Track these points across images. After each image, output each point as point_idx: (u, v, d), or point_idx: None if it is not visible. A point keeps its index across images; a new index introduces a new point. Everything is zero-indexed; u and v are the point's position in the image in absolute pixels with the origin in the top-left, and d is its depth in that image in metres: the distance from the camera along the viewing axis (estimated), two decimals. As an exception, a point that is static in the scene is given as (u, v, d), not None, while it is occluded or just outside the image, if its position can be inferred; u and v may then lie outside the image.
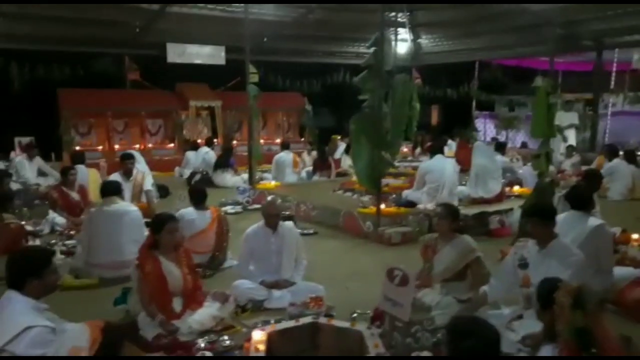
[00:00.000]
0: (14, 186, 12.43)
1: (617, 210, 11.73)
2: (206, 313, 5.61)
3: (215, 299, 5.88)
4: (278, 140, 20.88)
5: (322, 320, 5.10)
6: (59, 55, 19.13)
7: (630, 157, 13.95)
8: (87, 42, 19.13)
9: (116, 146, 19.53)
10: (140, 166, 12.36)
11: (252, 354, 4.47)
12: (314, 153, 17.56)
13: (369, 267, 8.04)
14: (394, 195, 11.23)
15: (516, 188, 12.41)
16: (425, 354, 4.82)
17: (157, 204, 11.88)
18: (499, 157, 13.37)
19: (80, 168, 11.67)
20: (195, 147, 18.11)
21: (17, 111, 18.62)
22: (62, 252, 8.31)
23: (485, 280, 5.78)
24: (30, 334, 3.77)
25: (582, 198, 6.56)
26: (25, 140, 16.61)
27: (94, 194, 10.71)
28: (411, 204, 10.53)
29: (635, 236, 8.41)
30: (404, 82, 14.36)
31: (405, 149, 20.76)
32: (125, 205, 7.97)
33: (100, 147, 19.52)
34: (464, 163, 12.24)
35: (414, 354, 4.84)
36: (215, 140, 20.37)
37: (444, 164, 10.72)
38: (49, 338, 3.84)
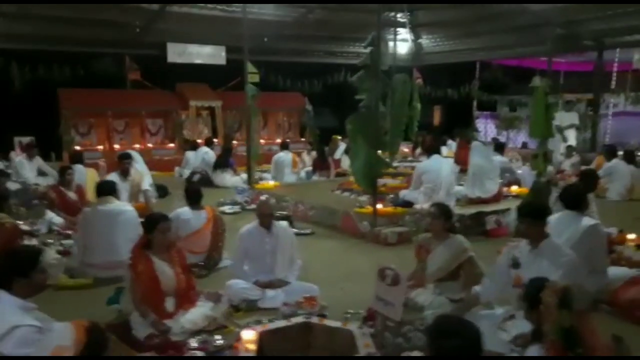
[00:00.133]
0: (13, 186, 12.43)
1: (616, 211, 11.73)
2: (199, 313, 5.61)
3: (208, 299, 5.90)
4: (279, 141, 20.83)
5: (314, 320, 5.11)
6: (59, 55, 19.13)
7: (629, 158, 13.93)
8: (88, 42, 19.14)
9: (116, 146, 19.54)
10: (139, 166, 12.39)
11: (242, 353, 4.47)
12: (314, 153, 17.55)
13: (365, 267, 8.03)
14: (391, 195, 11.22)
15: (514, 188, 12.38)
16: (416, 353, 4.81)
17: (156, 203, 11.92)
18: (497, 157, 13.37)
19: (78, 168, 11.70)
20: (194, 147, 18.09)
21: (17, 111, 18.60)
22: (58, 252, 8.31)
23: (478, 280, 5.78)
24: (17, 334, 3.76)
25: (575, 198, 6.54)
26: (25, 140, 16.63)
27: (91, 193, 10.70)
28: (408, 204, 10.51)
29: (630, 236, 8.41)
30: (403, 82, 14.43)
31: (406, 149, 20.76)
32: (121, 205, 7.98)
33: (100, 147, 19.58)
34: (464, 163, 12.24)
35: (404, 354, 4.84)
36: (215, 140, 20.39)
37: (441, 164, 10.70)
38: (36, 337, 3.83)
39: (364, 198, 10.94)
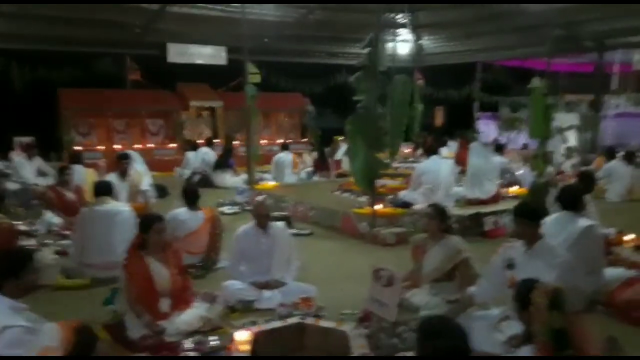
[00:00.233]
0: (13, 186, 12.47)
1: (615, 212, 11.70)
2: (194, 314, 5.59)
3: (204, 300, 5.89)
4: (280, 141, 20.84)
5: (309, 320, 5.11)
6: (59, 55, 19.18)
7: (629, 158, 13.91)
8: (88, 42, 19.17)
9: (117, 146, 19.54)
10: (139, 166, 12.39)
11: (235, 354, 4.47)
12: (315, 154, 17.56)
13: (363, 267, 7.94)
14: (391, 196, 11.22)
15: (513, 189, 12.37)
16: (412, 354, 4.80)
17: (155, 204, 11.93)
18: (497, 158, 13.36)
19: (77, 168, 11.69)
20: (195, 147, 18.08)
21: (18, 111, 18.64)
22: (56, 252, 8.31)
23: (474, 281, 5.76)
24: (7, 335, 3.76)
25: (572, 199, 6.53)
26: (26, 140, 16.64)
27: (90, 194, 10.69)
28: (407, 205, 10.50)
29: (628, 237, 8.41)
30: (403, 82, 14.39)
31: (407, 150, 20.76)
32: (118, 205, 7.98)
33: (100, 147, 19.62)
34: (464, 164, 12.22)
35: (399, 355, 4.84)
36: (216, 140, 20.42)
37: (439, 165, 10.72)
38: (26, 338, 3.83)
39: (363, 199, 10.93)
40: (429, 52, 24.93)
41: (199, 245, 7.96)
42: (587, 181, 8.50)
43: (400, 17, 21.46)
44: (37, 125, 17.91)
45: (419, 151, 19.37)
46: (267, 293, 6.40)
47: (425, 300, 5.98)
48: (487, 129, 27.36)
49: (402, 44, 24.11)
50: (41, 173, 14.22)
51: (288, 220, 10.78)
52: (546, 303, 3.85)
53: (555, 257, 5.10)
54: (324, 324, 5.06)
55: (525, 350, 4.14)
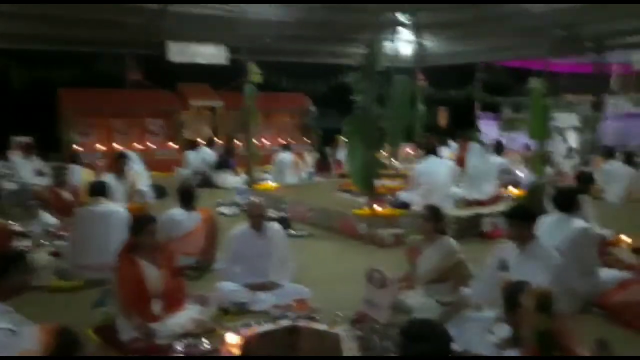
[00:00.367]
0: (11, 186, 12.46)
1: (614, 213, 11.68)
2: (186, 316, 5.56)
3: (196, 302, 5.85)
4: (281, 141, 20.81)
5: (301, 323, 5.09)
6: (59, 55, 19.13)
7: (627, 159, 13.87)
8: (88, 41, 19.09)
9: (117, 146, 19.49)
10: (137, 166, 12.39)
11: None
12: (316, 154, 17.54)
13: (360, 268, 7.92)
14: (390, 197, 11.20)
15: (512, 190, 12.33)
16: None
17: (153, 204, 11.91)
18: (497, 159, 13.34)
19: (75, 168, 11.69)
20: (195, 147, 18.04)
21: (17, 111, 18.62)
22: (50, 253, 8.27)
23: (468, 282, 5.76)
24: None
25: (567, 200, 6.52)
26: (24, 140, 16.61)
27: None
28: (406, 206, 10.48)
29: (625, 239, 8.38)
30: (403, 83, 14.42)
31: (409, 150, 20.74)
32: (112, 206, 7.94)
33: (100, 147, 19.60)
34: (465, 165, 12.21)
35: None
36: (217, 140, 20.41)
37: (438, 166, 10.69)
38: (5, 341, 3.81)
39: (363, 199, 10.90)
40: (430, 53, 24.90)
41: (195, 246, 7.92)
42: (584, 182, 8.49)
43: (402, 18, 21.45)
44: (36, 125, 17.87)
45: (421, 152, 19.41)
46: (261, 295, 6.38)
47: (420, 302, 5.94)
48: (488, 129, 27.35)
49: (404, 44, 24.09)
50: (40, 173, 14.19)
51: (286, 222, 10.78)
52: (534, 305, 3.83)
53: (549, 259, 5.09)
54: (316, 326, 5.04)
55: (513, 353, 4.13)
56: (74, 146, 18.60)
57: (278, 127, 24.56)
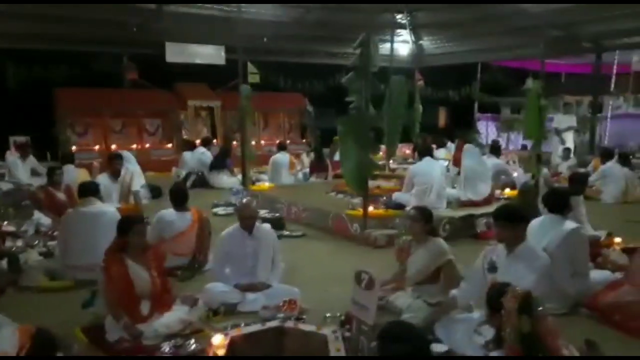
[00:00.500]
0: (6, 186, 12.44)
1: (608, 213, 11.70)
2: (174, 316, 5.53)
3: (184, 303, 5.82)
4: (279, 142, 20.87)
5: (289, 324, 5.07)
6: (56, 54, 19.11)
7: (624, 160, 13.86)
8: (85, 41, 19.09)
9: (113, 146, 19.48)
10: (132, 166, 12.38)
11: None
12: (312, 154, 17.51)
13: (351, 269, 7.93)
14: (384, 198, 11.19)
15: (507, 191, 12.32)
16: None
17: (148, 204, 11.94)
18: (493, 160, 13.32)
19: (69, 168, 11.66)
20: (192, 147, 18.01)
21: (13, 111, 18.60)
22: (42, 254, 8.26)
23: (458, 283, 5.75)
24: None
25: (558, 201, 6.51)
26: (20, 139, 16.59)
27: (80, 194, 10.69)
28: (400, 207, 10.46)
29: (617, 240, 8.37)
30: (399, 83, 14.40)
31: (407, 151, 20.76)
32: (103, 206, 7.88)
33: (97, 147, 19.63)
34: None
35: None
36: (214, 140, 20.41)
37: (432, 167, 10.68)
38: None
39: (357, 200, 10.89)
40: (429, 53, 24.92)
41: (186, 247, 7.89)
42: (577, 183, 8.48)
43: (400, 18, 21.46)
44: (33, 125, 17.87)
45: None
46: (250, 296, 6.36)
47: (408, 303, 5.93)
48: (486, 130, 27.37)
49: (402, 44, 24.11)
50: (35, 173, 14.18)
51: (281, 222, 10.78)
52: (516, 307, 3.83)
53: (536, 260, 5.07)
54: (304, 327, 5.01)
55: (496, 354, 4.12)
56: (69, 146, 18.57)
57: (276, 127, 24.56)
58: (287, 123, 24.82)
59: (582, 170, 14.89)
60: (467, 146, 11.63)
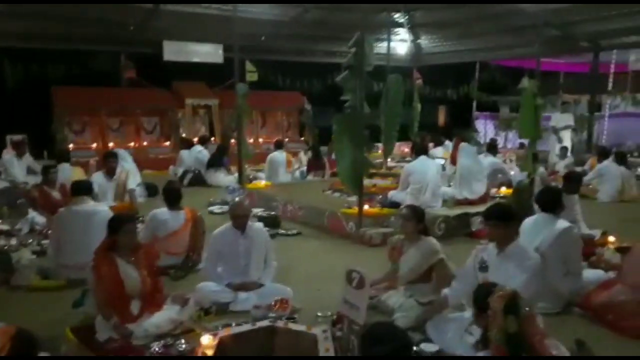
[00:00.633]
0: (1, 184, 12.40)
1: (604, 212, 11.70)
2: (164, 316, 5.49)
3: (175, 302, 5.79)
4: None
5: (279, 323, 5.05)
6: (53, 52, 19.13)
7: (620, 159, 13.84)
8: (82, 39, 19.11)
9: (110, 144, 19.55)
10: (127, 164, 12.37)
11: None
12: (310, 153, 17.50)
13: (346, 268, 7.92)
14: (380, 196, 11.19)
15: (503, 189, 12.32)
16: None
17: (144, 203, 11.92)
18: (489, 158, 13.32)
19: (64, 166, 11.63)
20: (189, 145, 18.00)
21: (11, 109, 18.60)
22: (35, 252, 8.26)
23: (450, 282, 5.73)
24: None
25: (550, 200, 6.49)
26: (16, 138, 16.55)
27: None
28: (396, 205, 10.44)
29: (611, 239, 8.37)
30: (396, 82, 14.40)
31: (406, 149, 20.74)
32: (95, 205, 7.85)
33: (94, 145, 19.63)
34: (457, 163, 12.21)
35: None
36: (212, 138, 20.40)
37: (427, 165, 10.65)
38: None
39: (353, 198, 10.87)
40: (427, 52, 24.95)
41: (180, 246, 7.87)
42: (572, 182, 8.46)
43: (398, 17, 21.47)
44: (30, 123, 17.88)
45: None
46: (242, 295, 6.34)
47: (400, 302, 5.92)
48: (484, 128, 27.38)
49: (400, 43, 24.12)
50: (31, 171, 14.13)
51: (276, 220, 10.78)
52: (501, 308, 3.82)
53: (526, 260, 5.06)
54: (294, 327, 5.00)
55: (483, 354, 4.12)
56: (66, 144, 18.57)
57: (274, 125, 24.57)
58: (286, 121, 24.82)
59: (579, 169, 14.88)
60: (462, 145, 11.61)
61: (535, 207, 7.10)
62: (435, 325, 5.33)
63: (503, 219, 5.21)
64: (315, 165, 16.22)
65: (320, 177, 15.85)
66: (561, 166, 16.55)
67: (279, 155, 15.97)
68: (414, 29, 23.10)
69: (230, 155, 17.08)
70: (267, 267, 6.78)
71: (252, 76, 13.78)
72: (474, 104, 26.78)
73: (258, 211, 11.50)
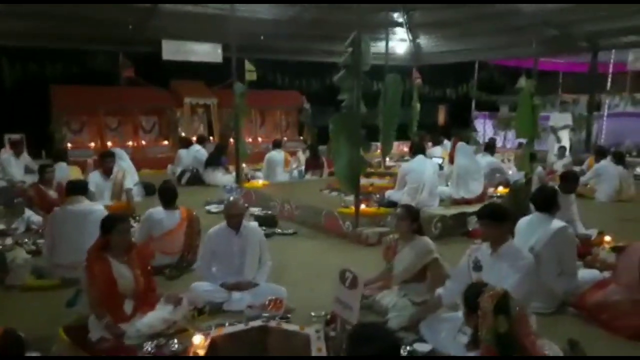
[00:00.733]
0: (-1, 183, 12.41)
1: (602, 212, 11.70)
2: (157, 316, 5.46)
3: (168, 302, 5.76)
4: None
5: (272, 323, 5.04)
6: (51, 52, 19.10)
7: (617, 159, 13.83)
8: (81, 38, 19.06)
9: (109, 143, 19.56)
10: (125, 163, 12.36)
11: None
12: (308, 152, 17.49)
13: (341, 267, 7.94)
14: (377, 195, 11.19)
15: (500, 189, 12.32)
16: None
17: (141, 202, 11.92)
18: (487, 158, 13.32)
19: (61, 166, 11.62)
20: (187, 144, 17.98)
21: (9, 108, 18.58)
22: (30, 252, 8.25)
23: (444, 281, 5.72)
24: None
25: (546, 200, 6.48)
26: (14, 137, 16.53)
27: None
28: (393, 205, 10.43)
29: (607, 238, 8.36)
30: (394, 81, 14.40)
31: (405, 149, 20.73)
32: (90, 205, 7.81)
33: (92, 145, 19.65)
34: (455, 163, 12.21)
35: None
36: (211, 138, 20.39)
37: (424, 165, 10.63)
38: None
39: (349, 198, 10.86)
40: (426, 52, 24.92)
41: (175, 245, 7.84)
42: (569, 182, 8.45)
43: (397, 17, 21.46)
44: (28, 123, 17.84)
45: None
46: (236, 294, 6.33)
47: (394, 302, 5.91)
48: (483, 128, 27.38)
49: (399, 43, 24.12)
50: (29, 170, 14.12)
51: (273, 220, 10.77)
52: (492, 308, 3.81)
53: (519, 260, 5.04)
54: (287, 327, 4.99)
55: (474, 354, 4.11)
56: (64, 143, 18.57)
57: (273, 125, 24.57)
58: (285, 121, 24.84)
59: (577, 168, 14.87)
60: (459, 144, 11.62)
61: (531, 206, 7.10)
62: (428, 325, 5.33)
63: (496, 219, 5.18)
64: (313, 164, 16.21)
65: (318, 177, 15.84)
66: (559, 166, 16.52)
67: (277, 155, 15.98)
68: (413, 28, 23.09)
69: (228, 154, 17.05)
70: (261, 266, 6.75)
71: (251, 75, 13.75)
72: (473, 104, 26.78)
73: (255, 210, 11.50)
